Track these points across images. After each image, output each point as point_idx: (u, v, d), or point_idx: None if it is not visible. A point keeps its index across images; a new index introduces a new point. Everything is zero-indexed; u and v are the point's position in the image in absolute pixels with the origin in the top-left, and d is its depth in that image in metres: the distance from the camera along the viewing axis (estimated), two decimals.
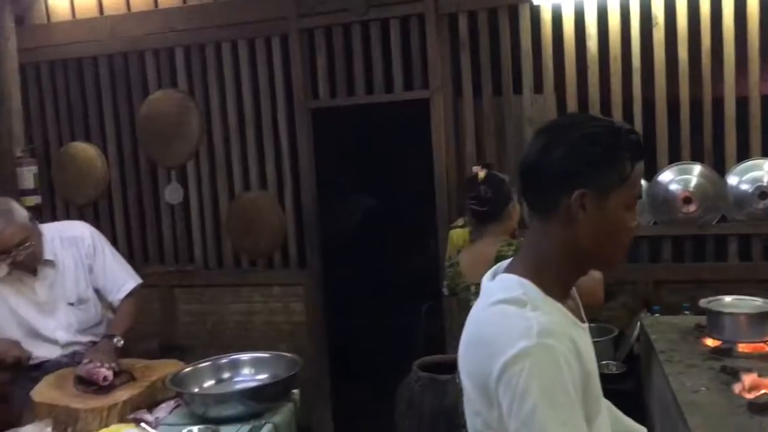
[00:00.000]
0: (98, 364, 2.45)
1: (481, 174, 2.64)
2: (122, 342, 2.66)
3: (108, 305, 2.87)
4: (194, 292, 4.51)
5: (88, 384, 2.43)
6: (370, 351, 4.94)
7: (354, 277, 5.13)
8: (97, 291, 2.82)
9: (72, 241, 2.77)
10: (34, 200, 4.46)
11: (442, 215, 4.02)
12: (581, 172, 1.27)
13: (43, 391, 2.37)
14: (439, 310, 4.97)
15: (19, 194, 4.41)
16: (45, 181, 4.58)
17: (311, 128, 4.22)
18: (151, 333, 4.36)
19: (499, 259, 2.56)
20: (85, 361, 2.48)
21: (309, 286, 4.30)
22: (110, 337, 2.66)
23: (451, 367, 3.69)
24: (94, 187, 4.56)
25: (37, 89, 4.65)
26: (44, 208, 4.45)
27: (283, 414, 2.37)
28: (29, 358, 2.51)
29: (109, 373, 2.43)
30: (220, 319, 4.47)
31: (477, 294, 2.63)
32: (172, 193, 4.46)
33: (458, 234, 3.88)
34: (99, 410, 2.26)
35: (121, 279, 2.85)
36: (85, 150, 4.53)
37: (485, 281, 1.44)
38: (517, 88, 3.88)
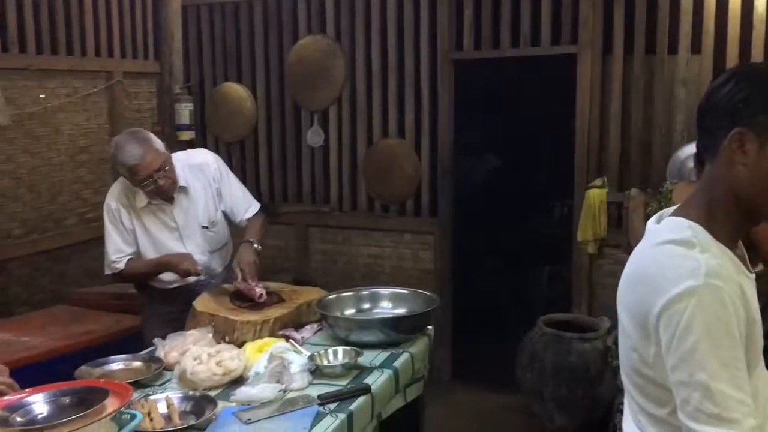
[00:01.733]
0: (253, 284, 2.65)
1: None
2: (260, 247, 2.83)
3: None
4: (328, 232, 4.71)
5: (243, 300, 2.63)
6: (491, 305, 5.01)
7: (481, 232, 5.18)
8: (224, 213, 2.99)
9: (199, 168, 2.92)
10: (189, 135, 4.79)
11: (581, 176, 3.96)
12: (742, 111, 1.21)
13: (204, 302, 2.59)
14: (561, 274, 4.96)
15: (176, 128, 4.76)
16: (198, 117, 4.89)
17: (453, 79, 4.25)
18: (286, 268, 4.61)
19: None
20: (239, 276, 2.67)
21: (439, 235, 4.38)
22: (249, 242, 2.84)
23: (577, 327, 3.72)
24: (242, 126, 4.81)
25: (196, 30, 4.93)
26: (197, 143, 4.75)
27: (419, 346, 2.48)
28: (198, 272, 2.73)
29: (264, 292, 2.63)
30: (351, 260, 4.65)
31: None
32: (313, 136, 4.64)
33: (595, 194, 3.84)
34: (253, 323, 2.45)
35: (246, 201, 3.02)
36: (236, 90, 4.78)
37: (650, 224, 1.44)
38: (672, 48, 3.73)
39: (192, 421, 1.86)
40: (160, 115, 4.80)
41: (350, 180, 4.61)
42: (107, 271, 2.89)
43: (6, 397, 1.70)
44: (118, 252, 2.83)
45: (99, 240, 4.44)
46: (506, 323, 4.42)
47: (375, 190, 4.54)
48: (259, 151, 4.82)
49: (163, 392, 2.05)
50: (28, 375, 2.18)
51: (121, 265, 2.84)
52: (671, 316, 1.21)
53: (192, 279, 2.77)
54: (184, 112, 4.76)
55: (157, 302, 2.89)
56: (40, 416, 1.64)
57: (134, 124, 4.55)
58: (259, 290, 2.63)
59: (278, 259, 4.69)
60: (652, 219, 1.47)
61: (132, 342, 2.85)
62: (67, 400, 1.68)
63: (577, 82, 3.90)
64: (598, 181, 3.84)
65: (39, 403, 1.67)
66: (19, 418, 1.60)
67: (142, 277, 2.93)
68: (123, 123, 4.50)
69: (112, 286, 4.24)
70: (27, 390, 1.75)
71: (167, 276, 2.82)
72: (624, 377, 1.39)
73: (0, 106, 3.65)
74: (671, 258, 1.28)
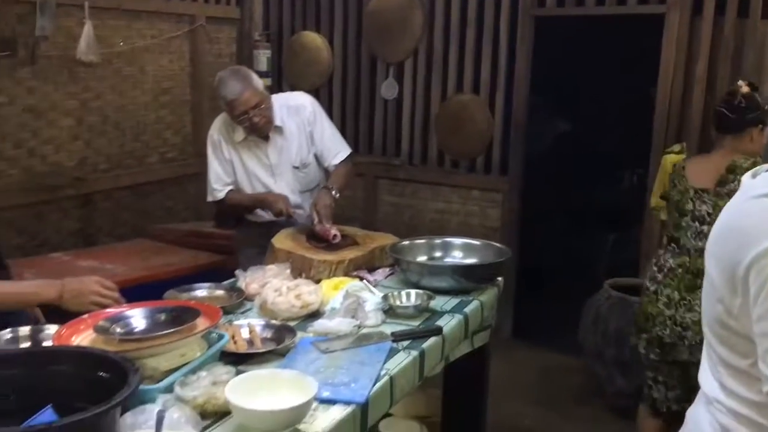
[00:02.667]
0: (328, 226, 2.73)
1: (745, 88, 2.60)
2: (338, 195, 2.92)
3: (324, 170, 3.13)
4: (397, 185, 4.76)
5: (319, 241, 2.72)
6: (554, 266, 5.01)
7: (548, 194, 5.15)
8: (315, 156, 3.09)
9: (295, 110, 3.02)
10: (266, 82, 4.82)
11: (659, 140, 3.89)
12: None
13: (282, 240, 2.69)
14: (627, 240, 4.91)
15: None
16: (276, 65, 4.97)
17: (532, 36, 4.20)
18: (354, 218, 4.69)
19: (732, 168, 2.53)
20: (316, 218, 2.77)
21: (508, 193, 4.39)
22: (328, 188, 2.94)
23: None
24: (318, 75, 4.87)
25: None
26: (273, 90, 4.82)
27: (489, 295, 2.52)
28: (290, 214, 2.84)
29: (338, 233, 2.71)
30: (417, 213, 4.70)
31: (694, 198, 2.60)
32: (387, 89, 4.67)
33: (672, 159, 3.75)
34: (329, 263, 2.54)
35: (336, 147, 3.09)
36: (314, 39, 4.83)
37: (746, 178, 1.44)
38: (766, 13, 3.59)
39: (272, 347, 1.96)
40: (239, 61, 4.90)
41: (422, 134, 4.63)
42: (209, 198, 3.06)
43: (108, 310, 1.82)
44: (218, 181, 3.00)
45: (177, 179, 4.64)
46: (568, 285, 4.43)
47: (446, 145, 4.55)
48: (333, 101, 4.88)
49: (244, 319, 2.15)
50: None
51: (221, 195, 3.00)
52: (762, 268, 1.22)
53: (284, 218, 2.88)
54: (262, 59, 4.85)
55: (251, 235, 3.01)
56: (137, 329, 1.76)
57: (214, 68, 4.64)
58: (333, 231, 2.72)
59: (347, 208, 4.76)
60: (748, 174, 1.47)
61: (208, 276, 2.98)
62: (162, 317, 1.79)
63: (663, 43, 3.80)
64: (676, 147, 3.73)
65: (137, 317, 1.79)
66: (119, 329, 1.72)
67: (239, 208, 3.08)
68: (203, 67, 4.63)
69: (188, 224, 4.43)
70: (126, 305, 1.87)
71: (261, 211, 2.94)
72: (706, 329, 1.40)
73: (91, 45, 3.79)
74: (765, 211, 1.29)
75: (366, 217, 4.76)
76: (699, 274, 2.59)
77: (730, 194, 2.53)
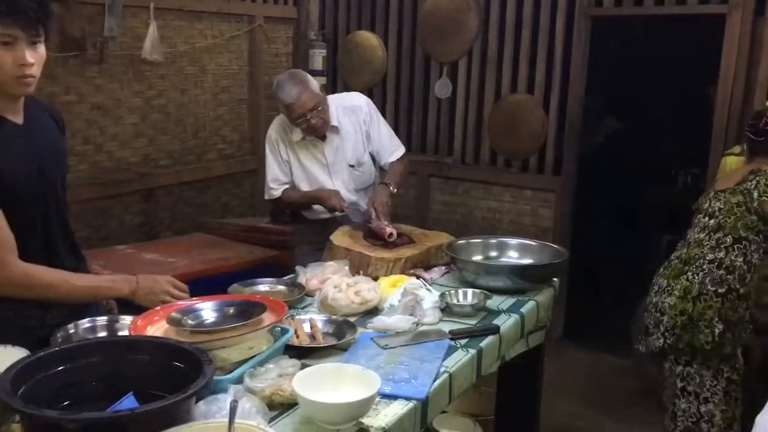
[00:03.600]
0: (385, 224, 2.78)
1: None
2: (396, 190, 2.98)
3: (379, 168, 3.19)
4: (449, 184, 4.78)
5: (376, 238, 2.77)
6: (606, 268, 4.97)
7: (601, 195, 5.11)
8: (371, 155, 3.14)
9: (351, 110, 3.09)
10: (321, 81, 4.93)
11: (718, 142, 3.83)
12: None
13: (340, 237, 2.75)
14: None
15: (309, 74, 4.92)
16: (330, 64, 5.04)
17: (589, 36, 4.17)
18: (406, 216, 4.73)
19: (756, 170, 2.56)
20: (372, 216, 2.82)
21: (561, 194, 4.37)
22: (386, 184, 2.99)
23: None
24: (372, 75, 4.92)
25: None
26: (327, 88, 4.90)
27: (545, 295, 2.54)
28: (343, 209, 2.91)
29: (394, 231, 2.76)
30: (469, 212, 4.72)
31: (712, 198, 2.63)
32: (441, 88, 4.70)
33: (732, 161, 3.70)
34: (386, 260, 2.58)
35: (393, 145, 3.16)
36: (369, 39, 4.89)
37: None
38: None
39: (333, 341, 2.01)
40: (295, 60, 4.99)
41: (475, 133, 4.64)
42: (266, 197, 3.16)
43: (180, 302, 1.90)
44: (275, 180, 3.09)
45: (234, 175, 4.75)
46: (621, 286, 4.39)
47: (499, 145, 4.56)
48: (386, 100, 4.92)
49: (305, 314, 2.22)
50: None
51: (277, 193, 3.09)
52: None
53: (338, 214, 2.94)
54: (318, 58, 4.93)
55: (306, 232, 3.09)
56: (207, 321, 1.83)
57: (271, 67, 4.77)
58: (389, 230, 2.76)
59: (399, 206, 4.80)
60: None
61: (263, 271, 3.07)
62: (231, 310, 1.86)
63: (724, 43, 3.74)
64: (736, 148, 3.69)
65: (207, 310, 1.87)
66: (190, 321, 1.80)
67: (295, 205, 3.18)
68: (261, 66, 4.73)
69: (244, 219, 4.53)
70: (196, 298, 1.95)
71: (317, 208, 3.00)
72: None
73: (155, 44, 3.91)
74: None
75: (418, 216, 4.79)
76: (688, 262, 2.59)
77: (743, 192, 2.52)
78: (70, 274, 1.90)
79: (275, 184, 3.10)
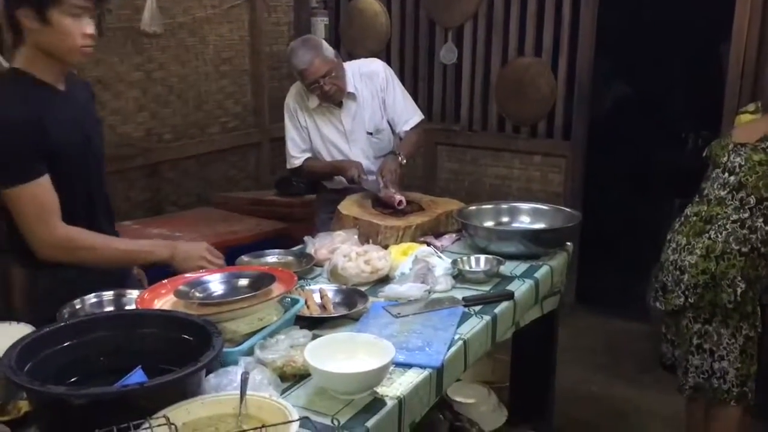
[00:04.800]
0: (393, 191, 2.73)
1: None
2: (405, 161, 2.93)
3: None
4: (456, 151, 4.71)
5: (385, 206, 2.72)
6: (618, 232, 4.91)
7: (611, 159, 5.03)
8: (388, 122, 3.08)
9: (369, 76, 3.04)
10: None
11: (732, 101, 3.73)
12: None
13: (348, 206, 2.70)
14: None
15: None
16: (333, 32, 4.94)
17: None
18: (414, 185, 4.66)
19: (762, 139, 2.46)
20: (381, 184, 2.77)
21: (571, 158, 4.30)
22: (395, 154, 2.94)
23: None
24: (375, 42, 4.82)
25: None
26: None
27: (558, 260, 2.49)
28: (360, 180, 2.86)
29: (403, 199, 2.71)
30: (477, 180, 4.65)
31: (731, 151, 2.55)
32: (446, 53, 4.60)
33: (747, 119, 3.62)
34: (396, 228, 2.53)
35: (408, 113, 3.10)
36: (371, 4, 4.78)
37: None
38: None
39: (345, 311, 1.97)
40: (297, 29, 4.89)
41: (482, 99, 4.56)
42: (288, 166, 3.13)
43: (187, 275, 1.86)
44: (295, 148, 3.05)
45: (239, 148, 4.70)
46: (633, 250, 4.34)
47: (507, 110, 4.47)
48: (391, 67, 4.80)
49: (315, 284, 2.18)
50: None
51: (298, 162, 3.06)
52: None
53: (356, 184, 2.90)
54: (320, 26, 4.83)
55: (327, 202, 3.04)
56: (216, 294, 1.79)
57: (272, 37, 4.69)
58: (398, 197, 2.72)
59: (406, 175, 4.74)
60: None
61: (271, 243, 3.03)
62: (239, 282, 1.83)
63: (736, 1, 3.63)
64: (750, 106, 3.58)
65: (215, 282, 1.83)
66: (198, 294, 1.76)
67: (316, 175, 3.16)
68: (262, 36, 4.65)
69: (250, 192, 4.49)
70: (204, 270, 1.91)
71: (338, 178, 2.98)
72: None
73: (154, 15, 3.83)
74: None
75: (426, 184, 4.72)
76: (710, 220, 2.53)
77: (765, 150, 2.45)
78: (111, 237, 1.99)
79: (296, 152, 3.06)
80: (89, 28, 1.79)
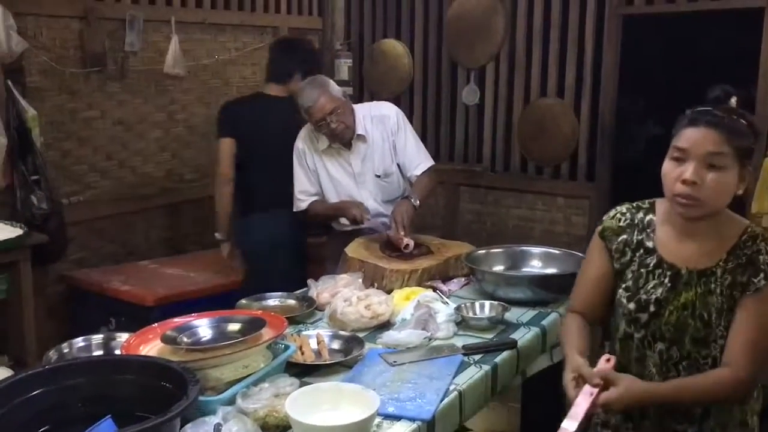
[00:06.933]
0: (401, 234, 2.68)
1: None
2: (418, 203, 2.87)
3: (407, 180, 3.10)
4: (478, 192, 4.66)
5: (392, 249, 2.68)
6: None
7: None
8: (398, 167, 3.05)
9: (380, 119, 3.02)
10: (347, 91, 4.89)
11: (761, 143, 3.62)
12: None
13: (355, 249, 2.66)
14: None
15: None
16: (357, 73, 4.97)
17: (620, 36, 4.02)
18: (435, 227, 4.63)
19: None
20: (391, 227, 2.73)
21: (595, 200, 4.21)
22: (408, 198, 2.90)
23: None
24: (398, 83, 4.84)
25: None
26: (354, 98, 4.83)
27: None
28: (363, 221, 2.83)
29: (411, 243, 2.66)
30: (500, 221, 4.58)
31: None
32: (468, 94, 4.58)
33: None
34: (402, 272, 2.49)
35: (419, 158, 3.06)
36: (394, 47, 4.81)
37: None
38: None
39: (340, 358, 1.92)
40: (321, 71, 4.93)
41: (504, 139, 4.52)
42: (294, 209, 3.10)
43: (175, 320, 1.84)
44: (303, 192, 3.05)
45: None
46: None
47: (529, 151, 4.42)
48: (413, 108, 4.83)
49: (314, 329, 2.13)
50: (193, 307, 2.36)
51: (304, 204, 3.05)
52: None
53: (365, 225, 2.87)
54: (343, 68, 4.86)
55: (337, 244, 3.00)
56: (203, 339, 1.76)
57: None
58: (406, 240, 2.67)
59: (427, 216, 4.70)
60: None
61: (286, 285, 3.00)
62: (228, 327, 1.79)
63: (762, 39, 3.55)
64: None
65: (203, 327, 1.80)
66: (185, 339, 1.73)
67: (319, 217, 3.13)
68: None
69: None
70: (193, 315, 1.88)
71: (343, 220, 2.96)
72: None
73: (177, 58, 3.90)
74: None
75: (447, 226, 4.68)
76: None
77: None
78: None
79: (303, 195, 3.05)
80: None
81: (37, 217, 3.19)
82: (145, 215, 4.01)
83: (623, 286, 1.71)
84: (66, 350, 1.79)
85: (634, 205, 1.79)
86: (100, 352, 1.83)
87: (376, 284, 2.44)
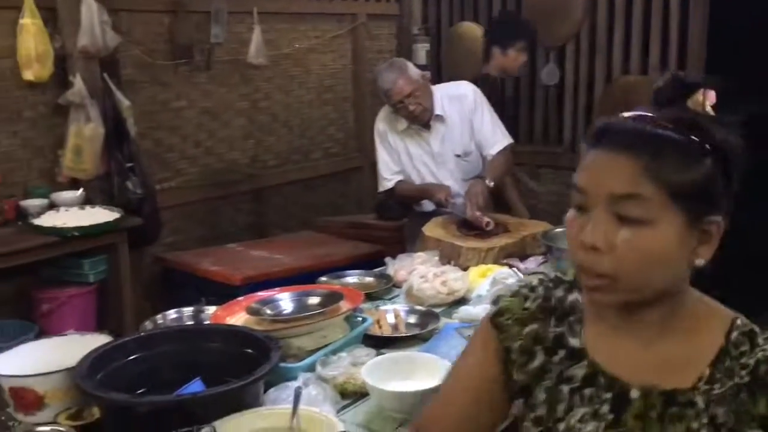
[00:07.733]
0: (479, 213, 2.70)
1: None
2: (492, 184, 2.88)
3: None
4: (559, 173, 4.59)
5: (470, 228, 2.70)
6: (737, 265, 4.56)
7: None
8: (476, 145, 3.06)
9: (457, 99, 3.04)
10: (425, 75, 4.91)
11: None
12: None
13: (432, 228, 2.71)
14: None
15: None
16: (434, 58, 4.99)
17: (707, 10, 3.88)
18: (542, 211, 4.60)
19: None
20: (468, 206, 2.74)
21: None
22: (482, 178, 2.91)
23: None
24: (476, 66, 4.79)
25: None
26: (433, 82, 4.84)
27: None
28: (447, 204, 2.87)
29: (491, 220, 2.67)
30: None
31: None
32: (548, 74, 4.53)
33: None
34: (478, 250, 2.51)
35: (495, 137, 3.05)
36: (472, 30, 4.79)
37: None
38: None
39: (416, 332, 1.97)
40: (398, 56, 4.96)
41: (584, 119, 4.44)
42: (380, 188, 3.19)
43: (259, 293, 1.93)
44: (387, 170, 3.10)
45: (341, 173, 4.81)
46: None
47: None
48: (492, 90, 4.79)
49: (392, 305, 2.19)
50: (278, 286, 2.45)
51: (390, 184, 3.10)
52: None
53: (448, 210, 2.90)
54: (421, 52, 4.89)
55: (417, 225, 3.04)
56: (285, 311, 1.85)
57: (374, 64, 4.76)
58: (486, 219, 2.68)
59: (507, 198, 4.68)
60: None
61: (367, 266, 3.06)
62: (308, 300, 1.88)
63: None
64: None
65: (285, 300, 1.89)
66: (268, 311, 1.82)
67: (406, 198, 3.19)
68: (365, 63, 4.77)
69: (350, 216, 4.58)
70: (276, 289, 1.97)
71: (425, 201, 3.01)
72: None
73: (260, 48, 4.03)
74: None
75: (527, 206, 4.63)
76: None
77: None
78: None
79: (388, 174, 3.10)
80: None
81: (132, 201, 3.37)
82: (231, 200, 4.17)
83: (531, 415, 1.02)
84: (160, 321, 1.91)
85: (552, 276, 1.08)
86: (190, 323, 1.94)
87: (452, 262, 2.48)
